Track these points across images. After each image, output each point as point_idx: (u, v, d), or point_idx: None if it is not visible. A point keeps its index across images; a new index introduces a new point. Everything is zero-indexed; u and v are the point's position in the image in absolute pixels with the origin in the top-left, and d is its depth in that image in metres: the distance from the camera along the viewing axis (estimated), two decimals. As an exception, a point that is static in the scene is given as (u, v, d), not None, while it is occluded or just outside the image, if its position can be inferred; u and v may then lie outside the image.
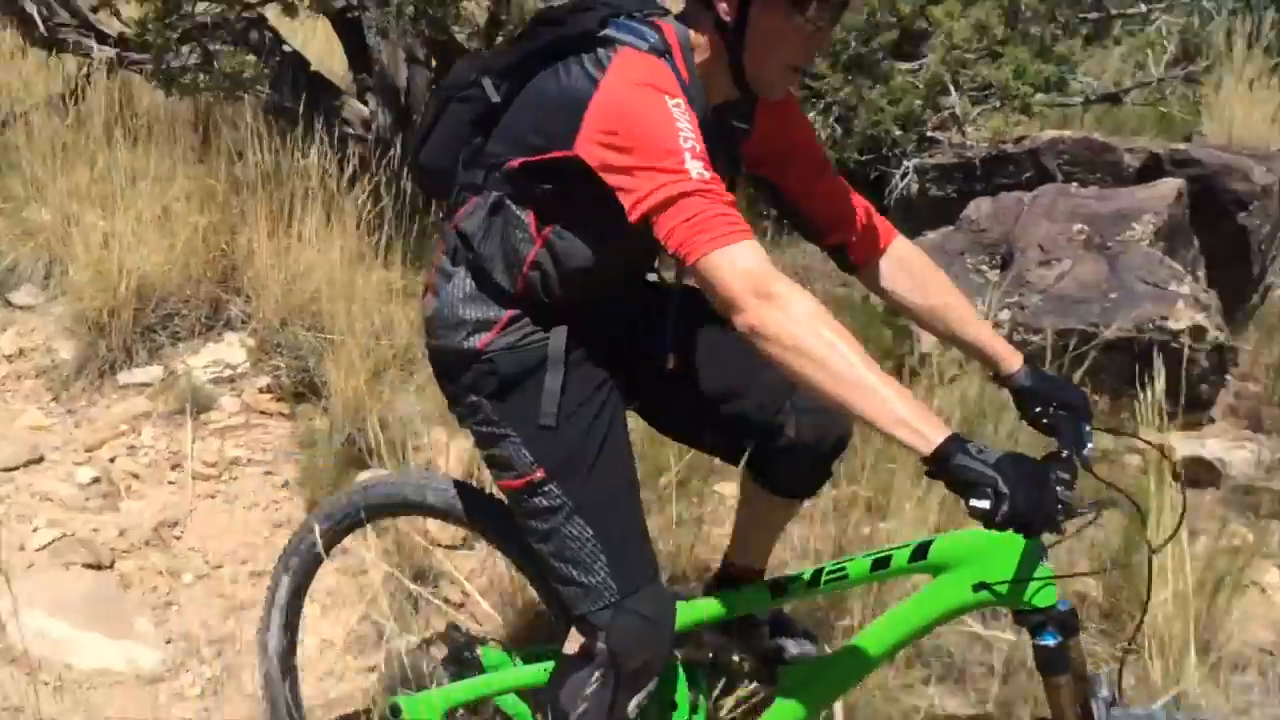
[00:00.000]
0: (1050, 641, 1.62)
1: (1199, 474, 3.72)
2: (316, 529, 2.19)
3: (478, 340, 1.82)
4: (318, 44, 5.92)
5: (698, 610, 1.98)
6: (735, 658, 2.09)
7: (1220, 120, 5.54)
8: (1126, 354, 3.75)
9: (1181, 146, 4.67)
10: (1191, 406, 4.02)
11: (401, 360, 3.59)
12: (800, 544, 2.80)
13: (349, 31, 4.99)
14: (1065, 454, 1.67)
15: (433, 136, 1.89)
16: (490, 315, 1.82)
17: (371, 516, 2.23)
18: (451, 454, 3.27)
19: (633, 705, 1.79)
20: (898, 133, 5.08)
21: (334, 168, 3.77)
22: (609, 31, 1.69)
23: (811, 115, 5.19)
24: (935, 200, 5.19)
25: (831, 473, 2.08)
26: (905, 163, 5.12)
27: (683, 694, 2.00)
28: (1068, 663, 1.63)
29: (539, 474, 1.80)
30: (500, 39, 4.92)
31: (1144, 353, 3.77)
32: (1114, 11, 5.38)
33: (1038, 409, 1.80)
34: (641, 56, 1.67)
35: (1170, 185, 4.22)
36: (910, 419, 1.45)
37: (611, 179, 1.60)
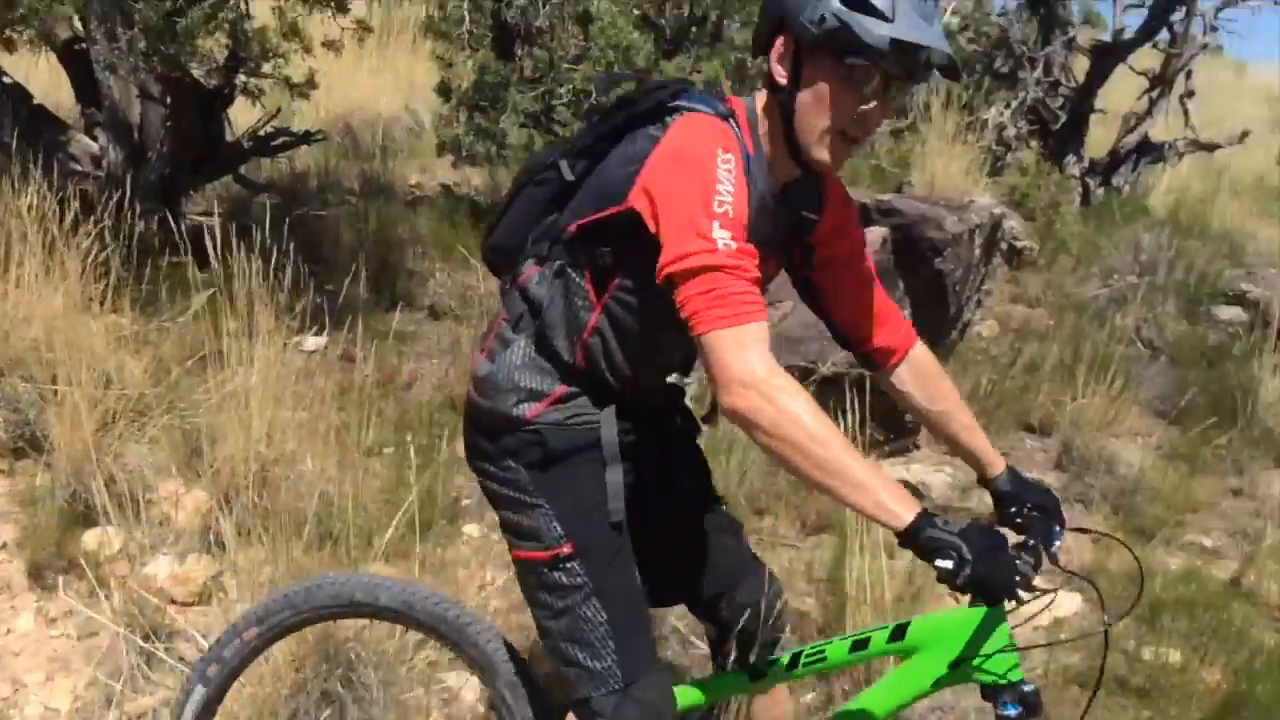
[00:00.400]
0: (1012, 713, 1.71)
1: (907, 495, 4.10)
2: (246, 634, 2.00)
3: (528, 409, 1.80)
4: (43, 76, 5.59)
5: (679, 698, 1.96)
6: None
7: (925, 172, 6.10)
8: (841, 388, 4.10)
9: (886, 198, 5.13)
10: (899, 434, 4.45)
11: (133, 411, 3.45)
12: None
13: (77, 65, 4.76)
14: (1032, 543, 1.80)
15: (507, 217, 1.91)
16: (545, 387, 1.81)
17: (314, 620, 2.07)
18: (188, 506, 3.19)
19: None
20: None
21: (56, 208, 3.59)
22: (679, 102, 1.73)
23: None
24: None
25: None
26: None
27: None
28: None
29: (566, 549, 1.79)
30: (242, 74, 4.83)
31: (856, 386, 4.15)
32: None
33: (1013, 509, 1.92)
34: (705, 118, 1.70)
35: (876, 233, 4.64)
36: (886, 501, 1.54)
37: (654, 228, 1.63)
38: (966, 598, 1.64)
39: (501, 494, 1.86)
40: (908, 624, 1.84)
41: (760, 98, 1.77)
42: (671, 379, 2.06)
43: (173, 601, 2.91)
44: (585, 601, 1.80)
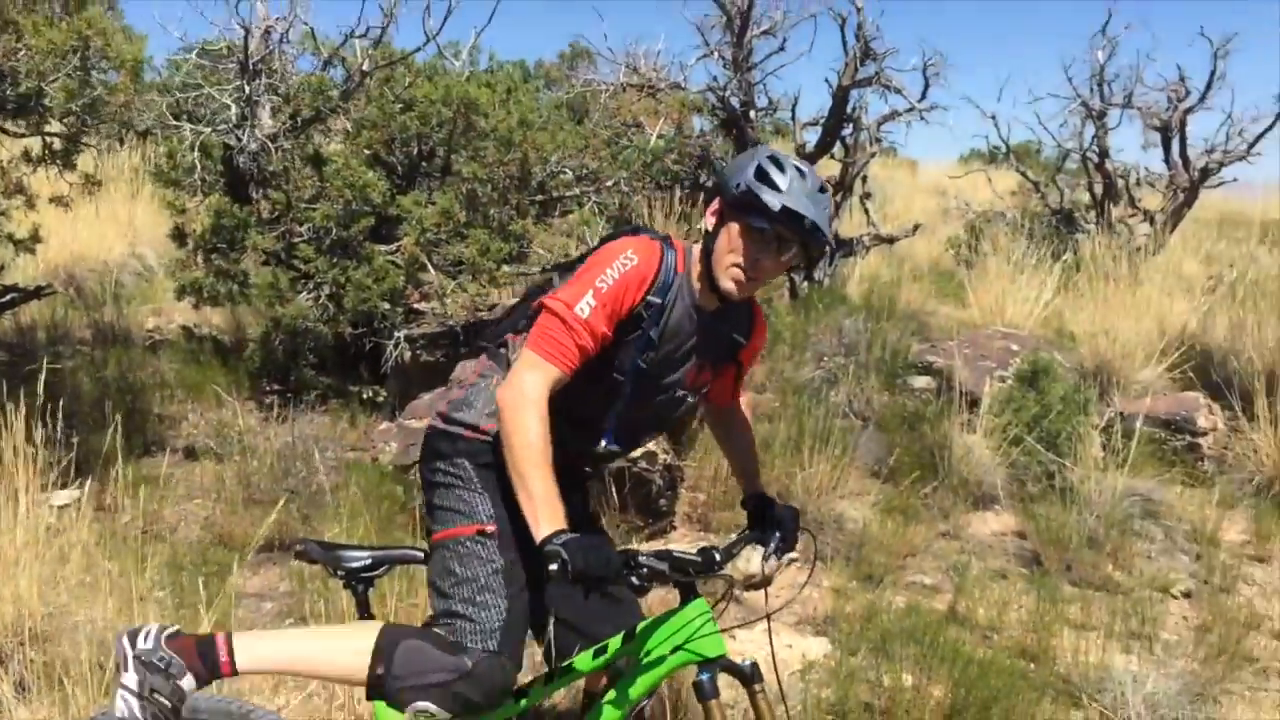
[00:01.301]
0: (704, 677, 2.21)
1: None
2: None
3: (490, 424, 2.31)
4: None
5: None
6: None
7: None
8: (599, 479, 4.44)
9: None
10: (656, 517, 4.83)
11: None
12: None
13: None
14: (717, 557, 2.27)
15: (509, 320, 2.46)
16: None
17: None
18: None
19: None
20: (385, 307, 5.54)
21: None
22: (632, 232, 2.34)
23: (303, 296, 5.50)
24: (425, 365, 5.70)
25: None
26: (396, 333, 5.60)
27: None
28: (716, 692, 2.21)
29: (491, 528, 2.27)
30: None
31: (615, 478, 4.51)
32: (555, 194, 6.32)
33: (757, 520, 2.58)
34: (638, 238, 2.29)
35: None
36: (539, 516, 2.04)
37: None
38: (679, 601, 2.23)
39: (444, 483, 2.34)
40: (635, 627, 2.28)
41: (697, 247, 2.35)
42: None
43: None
44: (492, 575, 2.24)
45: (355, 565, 2.39)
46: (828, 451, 5.13)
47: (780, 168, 2.23)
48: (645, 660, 2.27)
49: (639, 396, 2.34)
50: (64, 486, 4.16)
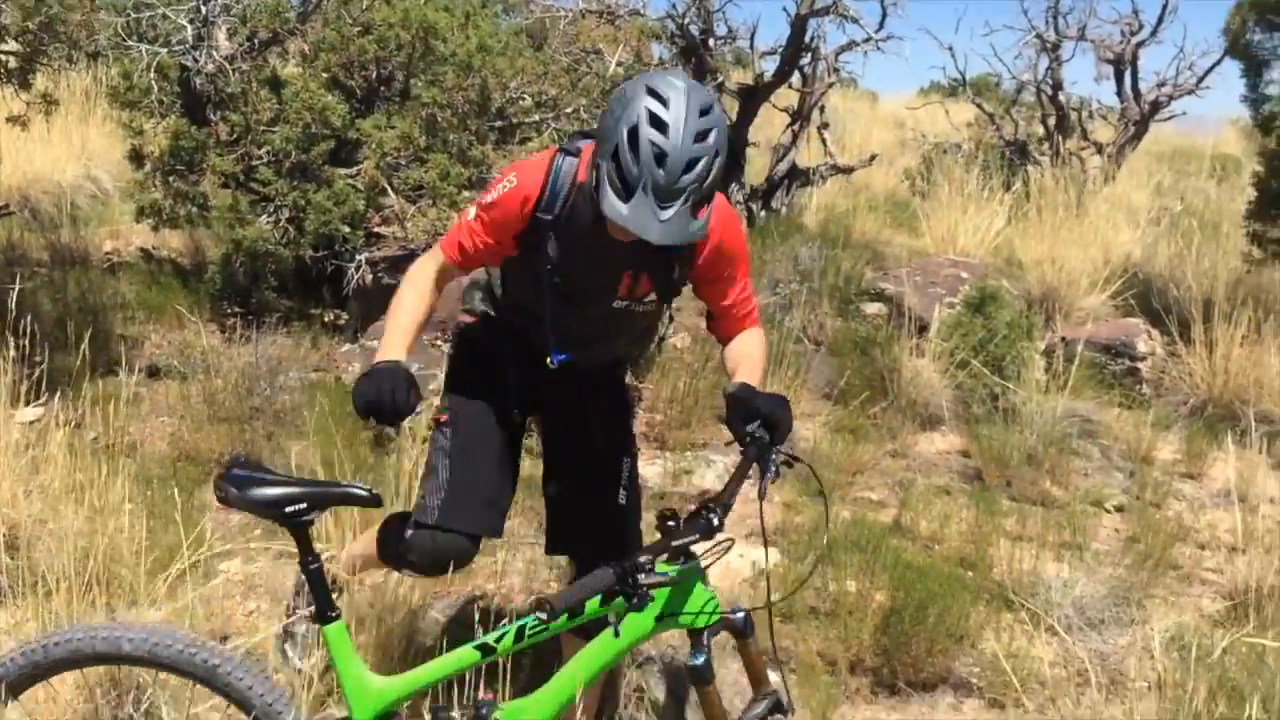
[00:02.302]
0: (699, 660, 2.10)
1: (625, 490, 4.61)
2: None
3: (460, 316, 2.68)
4: None
5: (416, 679, 2.15)
6: (455, 714, 2.20)
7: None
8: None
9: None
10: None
11: None
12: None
13: None
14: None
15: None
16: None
17: (59, 671, 2.14)
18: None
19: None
20: (346, 230, 5.58)
21: None
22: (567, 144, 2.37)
23: (264, 219, 5.53)
24: (387, 288, 5.74)
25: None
26: (357, 256, 5.64)
27: None
28: (713, 676, 2.12)
29: (444, 417, 2.53)
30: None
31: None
32: (514, 121, 6.34)
33: (740, 416, 2.19)
34: (538, 157, 2.35)
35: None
36: (385, 340, 2.28)
37: None
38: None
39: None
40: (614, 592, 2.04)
41: None
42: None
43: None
44: (441, 460, 2.50)
45: (289, 511, 2.07)
46: (781, 374, 5.30)
47: (635, 156, 1.99)
48: (624, 628, 2.10)
49: (567, 304, 2.37)
50: (28, 404, 4.23)
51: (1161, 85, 10.88)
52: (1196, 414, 5.95)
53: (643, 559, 1.95)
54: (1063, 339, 6.24)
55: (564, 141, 2.40)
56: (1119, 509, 4.97)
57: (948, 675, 3.54)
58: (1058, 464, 5.16)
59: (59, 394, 3.89)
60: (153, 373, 5.01)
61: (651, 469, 4.82)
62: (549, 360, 2.41)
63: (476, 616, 3.30)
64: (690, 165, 2.00)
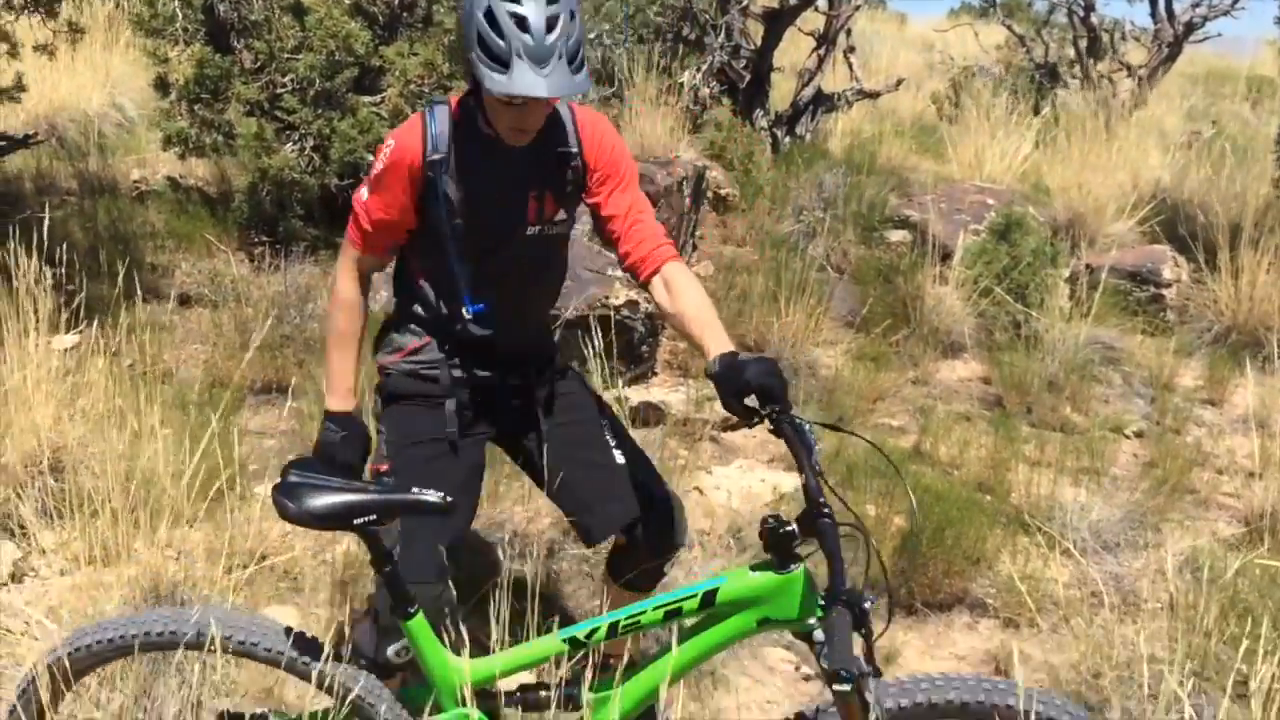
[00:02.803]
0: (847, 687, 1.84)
1: (650, 415, 4.69)
2: (68, 650, 2.11)
3: (382, 358, 2.53)
4: None
5: (501, 665, 2.12)
6: (541, 694, 2.21)
7: (634, 133, 6.70)
8: (583, 328, 4.61)
9: (603, 158, 5.65)
10: (638, 363, 5.03)
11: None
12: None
13: None
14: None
15: None
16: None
17: (146, 649, 2.14)
18: None
19: (391, 650, 2.15)
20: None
21: None
22: None
23: (289, 148, 5.56)
24: (412, 217, 5.78)
25: (665, 573, 2.59)
26: (381, 185, 5.65)
27: None
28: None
29: (384, 465, 2.41)
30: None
31: (601, 325, 4.68)
32: (538, 46, 6.29)
33: (729, 392, 2.04)
34: (412, 118, 2.32)
35: (598, 190, 5.17)
36: (329, 383, 2.42)
37: None
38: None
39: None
40: (715, 590, 2.01)
41: None
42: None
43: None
44: None
45: (359, 523, 1.98)
46: (804, 302, 5.32)
47: (498, 31, 2.06)
48: (722, 630, 2.04)
49: (478, 245, 2.33)
50: (60, 332, 4.32)
51: (1196, 5, 10.63)
52: (1220, 341, 5.94)
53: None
54: (1087, 266, 6.21)
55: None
56: (1138, 435, 5.01)
57: (964, 596, 3.62)
58: (1079, 390, 5.19)
59: (95, 322, 3.99)
60: (184, 300, 5.09)
61: (675, 396, 4.89)
62: (464, 310, 2.35)
63: (506, 539, 3.41)
64: (551, 25, 2.08)
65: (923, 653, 3.45)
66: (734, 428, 4.82)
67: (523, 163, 2.31)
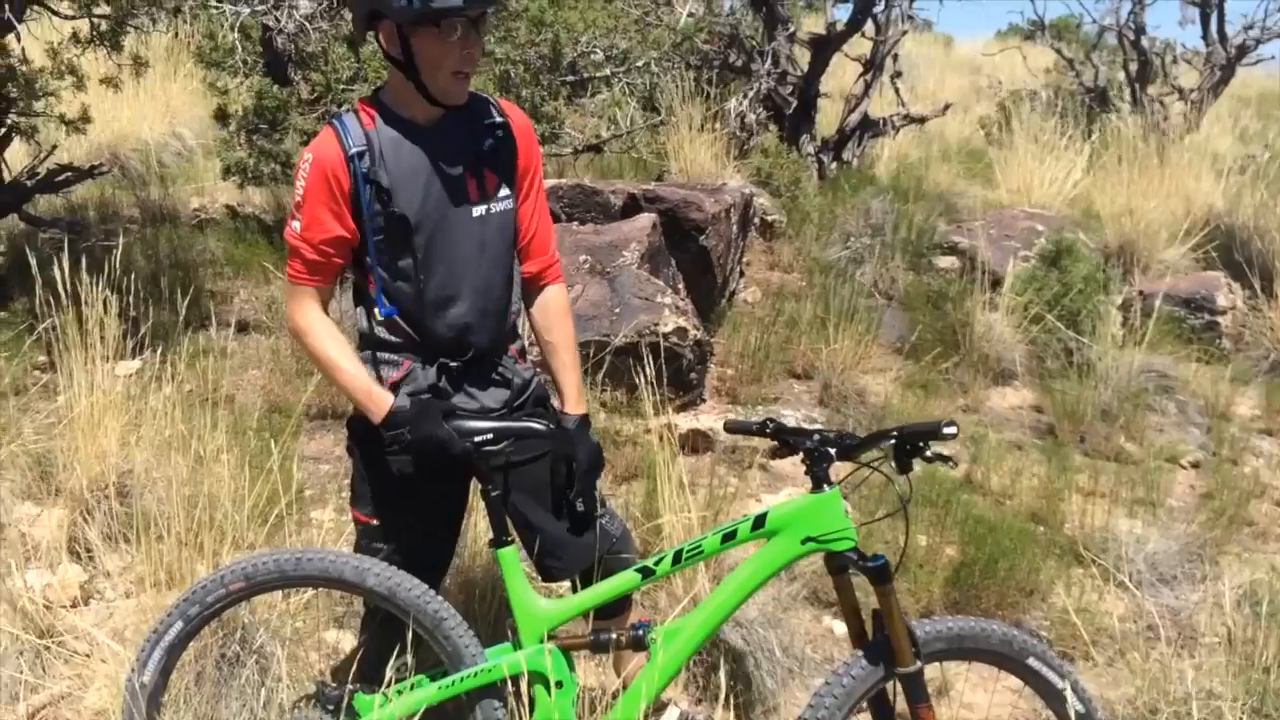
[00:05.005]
0: (879, 562, 2.19)
1: (698, 442, 4.70)
2: (232, 585, 2.23)
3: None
4: None
5: (582, 602, 2.32)
6: (613, 635, 2.33)
7: (681, 160, 6.76)
8: (633, 355, 4.65)
9: (650, 186, 5.71)
10: (686, 390, 5.05)
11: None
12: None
13: None
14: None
15: None
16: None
17: (294, 586, 2.30)
18: (49, 523, 3.38)
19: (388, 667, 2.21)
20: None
21: None
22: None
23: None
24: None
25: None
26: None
27: (562, 672, 2.28)
28: (892, 574, 2.21)
29: (375, 521, 2.41)
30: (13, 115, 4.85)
31: (651, 351, 4.71)
32: (585, 75, 6.39)
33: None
34: (322, 132, 2.28)
35: (647, 218, 5.23)
36: (363, 405, 2.27)
37: None
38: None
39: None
40: (765, 514, 2.24)
41: (389, 73, 2.30)
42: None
43: (47, 607, 3.12)
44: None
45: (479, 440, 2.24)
46: (852, 329, 5.32)
47: None
48: (771, 550, 2.24)
49: (423, 225, 2.28)
50: (124, 358, 4.44)
51: (1249, 28, 10.52)
52: (1277, 368, 5.86)
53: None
54: (1140, 293, 6.16)
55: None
56: (1195, 465, 4.94)
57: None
58: (1133, 419, 5.14)
59: (157, 348, 4.09)
60: (241, 327, 5.19)
61: (722, 424, 4.89)
62: (426, 304, 2.34)
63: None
64: None
65: (975, 686, 3.43)
66: (781, 455, 4.82)
67: (452, 140, 2.28)
